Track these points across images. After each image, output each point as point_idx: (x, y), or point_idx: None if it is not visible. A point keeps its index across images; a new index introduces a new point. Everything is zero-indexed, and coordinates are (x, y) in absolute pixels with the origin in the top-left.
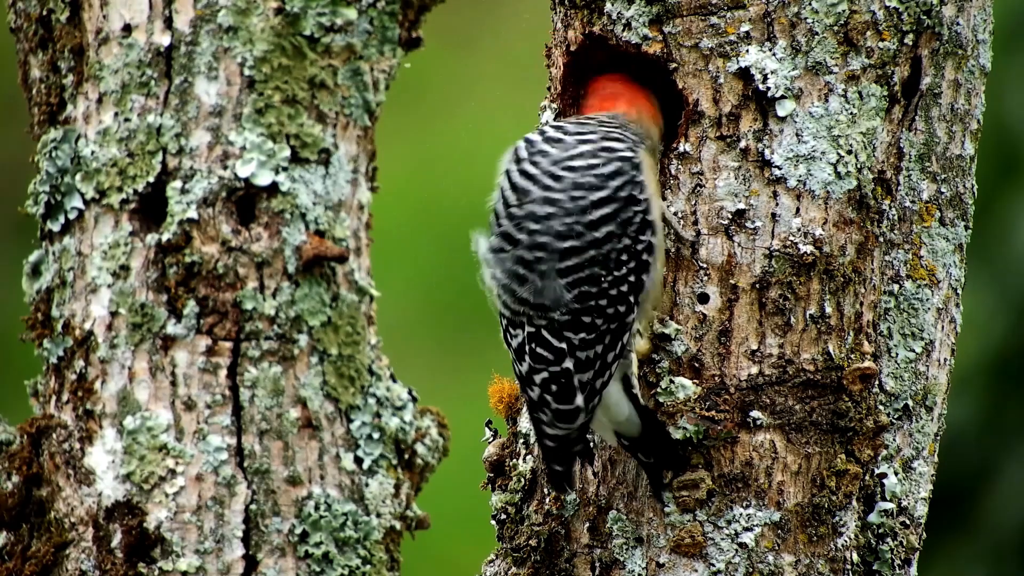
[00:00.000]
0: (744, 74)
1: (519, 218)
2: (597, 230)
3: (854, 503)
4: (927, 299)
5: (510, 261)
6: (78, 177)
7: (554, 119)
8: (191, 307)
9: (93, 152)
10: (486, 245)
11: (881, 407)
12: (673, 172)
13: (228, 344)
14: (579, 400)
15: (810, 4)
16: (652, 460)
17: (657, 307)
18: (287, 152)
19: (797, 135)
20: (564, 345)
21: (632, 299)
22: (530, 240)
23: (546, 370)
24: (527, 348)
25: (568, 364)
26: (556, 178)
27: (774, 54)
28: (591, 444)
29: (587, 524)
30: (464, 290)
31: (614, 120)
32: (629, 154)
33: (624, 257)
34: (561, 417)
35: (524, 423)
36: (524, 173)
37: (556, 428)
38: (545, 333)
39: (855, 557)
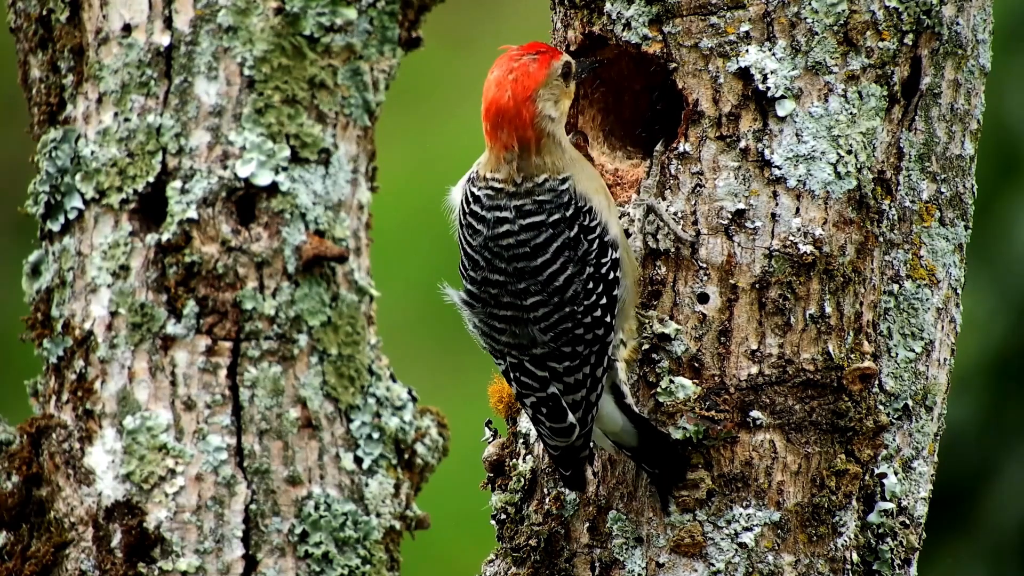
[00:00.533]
0: (744, 74)
1: (479, 282)
2: (555, 281)
3: (854, 503)
4: (927, 299)
5: (482, 315)
6: (78, 177)
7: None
8: (191, 307)
9: (93, 152)
10: (457, 298)
11: (881, 407)
12: (673, 172)
13: (228, 344)
14: (571, 418)
15: (810, 4)
16: (657, 471)
17: (634, 307)
18: (287, 152)
19: (797, 135)
20: (547, 373)
21: (608, 318)
22: (496, 302)
23: (533, 395)
24: (511, 376)
25: (553, 389)
26: (495, 254)
27: (774, 54)
28: (591, 444)
29: (587, 524)
30: None
31: (518, 189)
32: (555, 215)
33: (591, 285)
34: (558, 433)
35: (524, 423)
36: (467, 243)
37: (556, 440)
38: (528, 365)
39: (855, 557)
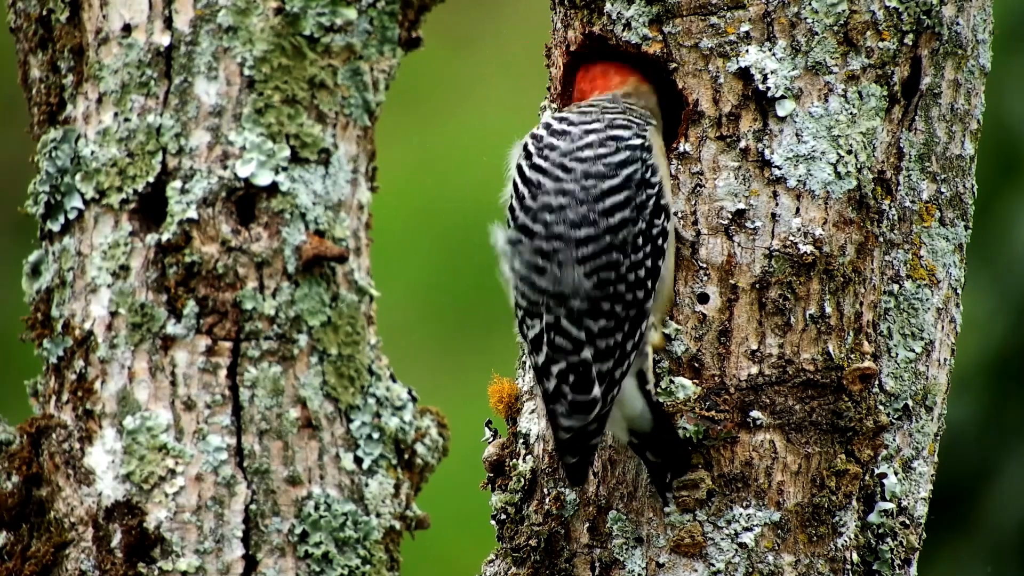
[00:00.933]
0: (744, 74)
1: (534, 210)
2: (612, 217)
3: (854, 503)
4: (927, 299)
5: (528, 252)
6: (78, 177)
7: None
8: (191, 307)
9: (93, 152)
10: (503, 237)
11: (881, 407)
12: (673, 172)
13: (228, 344)
14: (596, 391)
15: (810, 4)
16: (660, 460)
17: (670, 298)
18: (287, 152)
19: (797, 135)
20: (583, 334)
21: (649, 284)
22: (546, 231)
23: (565, 360)
24: (545, 339)
25: (587, 354)
26: (566, 169)
27: (774, 54)
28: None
29: (587, 524)
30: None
31: (615, 105)
32: (637, 140)
33: (640, 241)
34: (578, 408)
35: (524, 423)
36: (535, 167)
37: (572, 419)
38: (564, 322)
39: (855, 557)
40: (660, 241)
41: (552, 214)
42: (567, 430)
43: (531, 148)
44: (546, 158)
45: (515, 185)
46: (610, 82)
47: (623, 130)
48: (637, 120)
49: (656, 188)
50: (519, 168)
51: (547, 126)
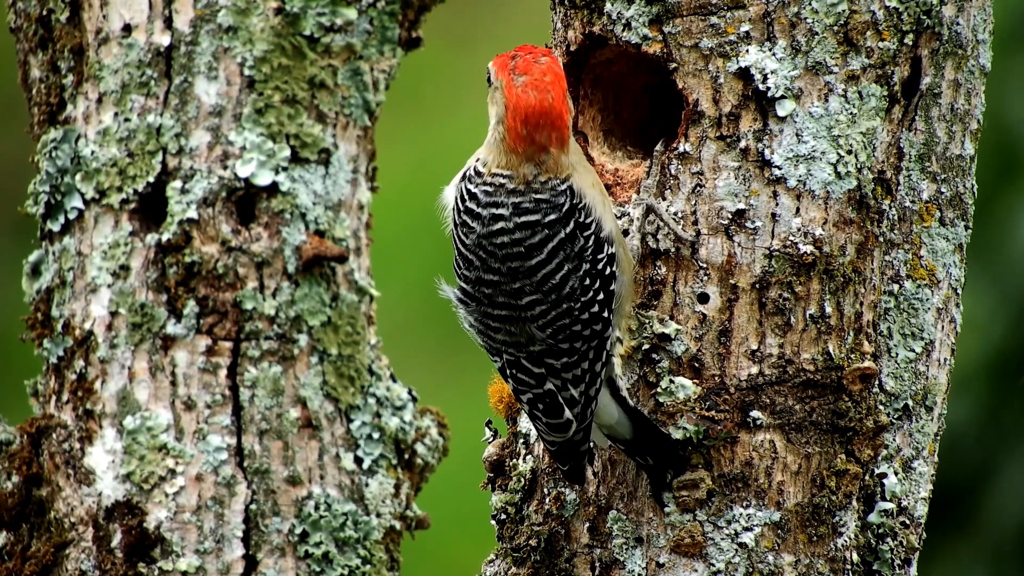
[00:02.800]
0: (744, 74)
1: (473, 281)
2: (552, 279)
3: (854, 503)
4: (927, 299)
5: (477, 314)
6: (78, 177)
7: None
8: (191, 307)
9: (93, 152)
10: (453, 296)
11: (881, 407)
12: (673, 172)
13: (228, 344)
14: (568, 414)
15: (810, 4)
16: (651, 462)
17: (633, 304)
18: (287, 152)
19: (797, 135)
20: (542, 370)
21: (606, 313)
22: (490, 301)
23: (530, 392)
24: (507, 372)
25: (550, 386)
26: (488, 252)
27: (774, 54)
28: (592, 444)
29: (587, 524)
30: None
31: (533, 168)
32: (552, 216)
33: (587, 281)
34: (555, 428)
35: (524, 423)
36: (461, 241)
37: (553, 435)
38: (524, 362)
39: (855, 557)
40: (609, 269)
41: (490, 288)
42: (551, 444)
43: (455, 218)
44: (467, 236)
45: (453, 238)
46: (535, 148)
47: (531, 215)
48: (546, 192)
49: (592, 228)
50: (456, 223)
51: (465, 198)
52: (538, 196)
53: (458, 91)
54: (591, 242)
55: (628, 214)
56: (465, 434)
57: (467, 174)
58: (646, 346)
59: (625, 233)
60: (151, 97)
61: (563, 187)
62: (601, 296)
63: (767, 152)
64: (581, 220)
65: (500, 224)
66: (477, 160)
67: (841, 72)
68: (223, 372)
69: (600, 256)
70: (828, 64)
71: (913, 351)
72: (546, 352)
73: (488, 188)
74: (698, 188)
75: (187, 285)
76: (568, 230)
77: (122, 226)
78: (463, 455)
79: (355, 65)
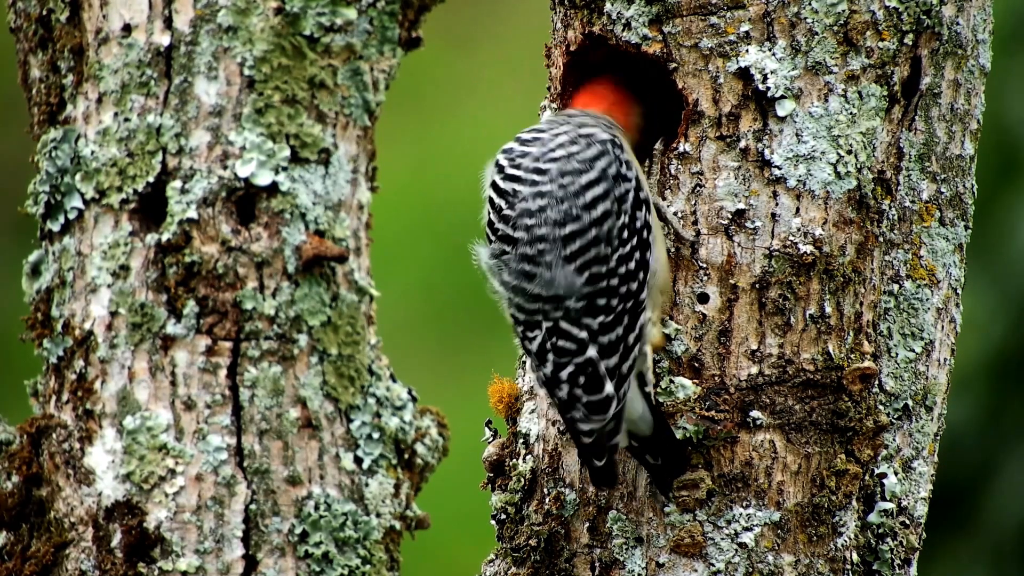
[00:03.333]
0: (744, 74)
1: (513, 218)
2: (594, 210)
3: (854, 503)
4: (927, 299)
5: (515, 261)
6: (78, 177)
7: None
8: (191, 307)
9: (93, 152)
10: (487, 253)
11: (881, 407)
12: (673, 172)
13: (228, 344)
14: (609, 388)
15: (810, 4)
16: (659, 462)
17: (665, 294)
18: (287, 152)
19: (797, 135)
20: (585, 333)
21: (641, 276)
22: (529, 235)
23: (571, 362)
24: (548, 345)
25: (591, 353)
26: (541, 172)
27: (774, 54)
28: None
29: (587, 524)
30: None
31: (583, 113)
32: (606, 136)
33: (625, 234)
34: (594, 409)
35: (524, 423)
36: (509, 177)
37: (590, 422)
38: (564, 324)
39: (855, 557)
40: (645, 234)
41: (533, 218)
42: (588, 434)
43: (503, 161)
44: (519, 166)
45: (491, 201)
46: (590, 98)
47: (591, 128)
48: (605, 123)
49: (633, 182)
50: (493, 184)
51: (517, 139)
52: (597, 119)
53: (458, 91)
54: (630, 195)
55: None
56: (465, 434)
57: (524, 131)
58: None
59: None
60: (151, 97)
61: (608, 132)
62: (637, 256)
63: (767, 152)
64: (623, 171)
65: (562, 138)
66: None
67: (841, 72)
68: (223, 372)
69: (639, 214)
70: (828, 64)
71: (913, 351)
72: (583, 310)
73: (551, 118)
74: (698, 188)
75: (187, 285)
76: (614, 170)
77: (122, 226)
78: (463, 455)
79: (355, 65)
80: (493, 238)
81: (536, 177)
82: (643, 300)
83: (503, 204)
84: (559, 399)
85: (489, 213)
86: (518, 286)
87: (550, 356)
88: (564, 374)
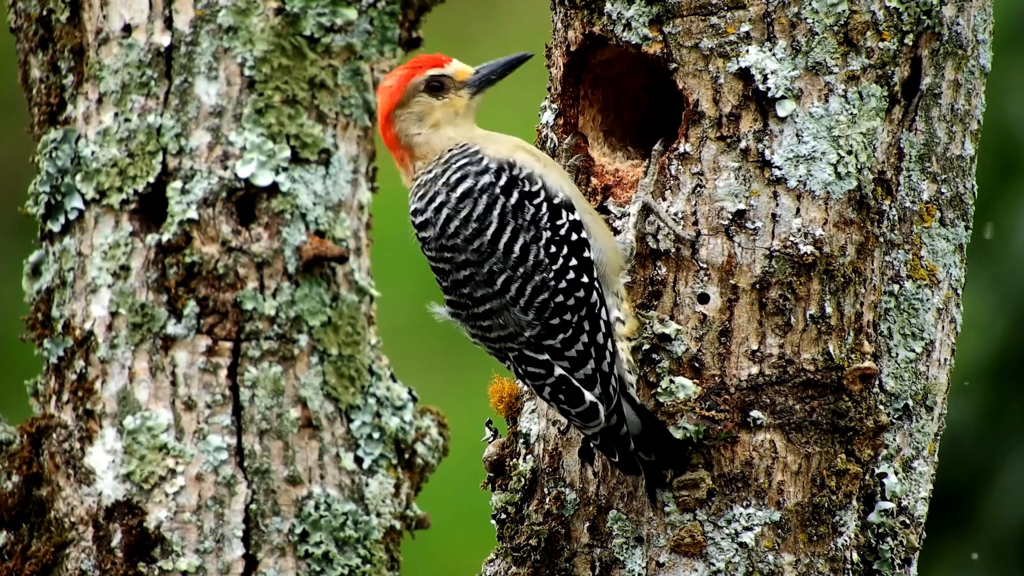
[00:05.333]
0: (744, 74)
1: (450, 289)
2: (513, 250)
3: (854, 503)
4: (927, 299)
5: (469, 319)
6: (78, 177)
7: (553, 119)
8: (191, 307)
9: (93, 152)
10: (444, 312)
11: (881, 407)
12: (673, 172)
13: (228, 344)
14: (589, 396)
15: (810, 4)
16: (653, 458)
17: (621, 273)
18: (287, 152)
19: (797, 135)
20: (546, 356)
21: (585, 278)
22: (471, 300)
23: (545, 384)
24: (521, 372)
25: (559, 371)
26: (449, 249)
27: (774, 54)
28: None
29: (587, 524)
30: None
31: (434, 169)
32: (487, 179)
33: (553, 249)
34: (584, 417)
35: (524, 423)
36: (429, 257)
37: (589, 428)
38: (527, 352)
39: (855, 556)
40: (574, 235)
41: (466, 286)
42: (593, 436)
43: (418, 236)
44: (430, 248)
45: (430, 267)
46: (396, 158)
47: (463, 184)
48: (460, 159)
49: (540, 196)
50: (422, 249)
51: (411, 223)
52: (457, 164)
53: None
54: (544, 209)
55: (628, 214)
56: (465, 434)
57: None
58: (646, 346)
59: (616, 232)
60: (151, 97)
61: (476, 153)
62: (574, 262)
63: (767, 152)
64: (526, 189)
65: (445, 212)
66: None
67: (841, 72)
68: (223, 372)
69: (560, 222)
70: (828, 64)
71: (913, 351)
72: (542, 335)
73: (420, 192)
74: (698, 188)
75: (187, 285)
76: (514, 200)
77: (122, 226)
78: (463, 455)
79: (355, 65)
80: (445, 296)
81: (449, 255)
82: (596, 300)
83: (439, 277)
84: (552, 408)
85: (431, 270)
86: (477, 333)
87: (527, 381)
88: (545, 394)
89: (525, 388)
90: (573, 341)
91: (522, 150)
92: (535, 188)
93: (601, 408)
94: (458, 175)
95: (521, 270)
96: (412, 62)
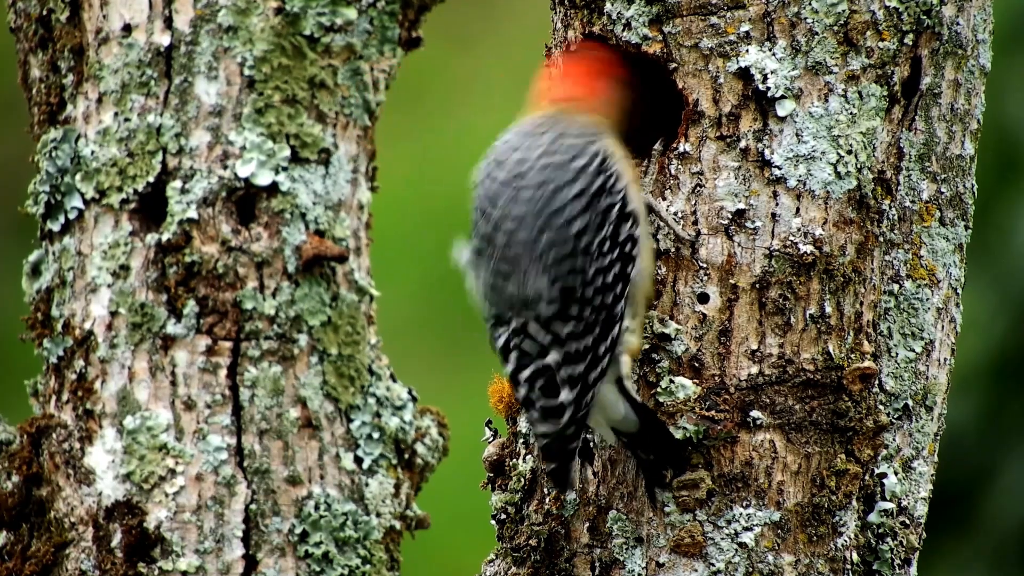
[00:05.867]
0: (744, 74)
1: (495, 220)
2: (571, 225)
3: (854, 503)
4: (927, 299)
5: (493, 260)
6: (78, 177)
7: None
8: (191, 307)
9: (93, 152)
10: (468, 250)
11: (881, 407)
12: (673, 172)
13: (228, 344)
14: (564, 395)
15: (810, 4)
16: (652, 457)
17: (647, 303)
18: (287, 152)
19: (797, 135)
20: (549, 338)
21: (619, 290)
22: (509, 239)
23: (532, 365)
24: (512, 344)
25: (551, 359)
26: (523, 177)
27: (774, 54)
28: (591, 444)
29: (587, 524)
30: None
31: (566, 119)
32: (593, 147)
33: (605, 248)
34: (548, 414)
35: (524, 423)
36: (494, 179)
37: (545, 424)
38: (532, 327)
39: (855, 557)
40: (628, 247)
41: (513, 222)
42: (543, 435)
43: (490, 162)
44: (504, 169)
45: (477, 198)
46: (560, 93)
47: (576, 138)
48: (590, 130)
49: (620, 195)
50: (480, 183)
51: (504, 140)
52: (568, 141)
53: (458, 91)
54: (615, 209)
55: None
56: (465, 434)
57: (509, 131)
58: (646, 346)
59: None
60: (151, 97)
61: (593, 140)
62: (616, 270)
63: (767, 152)
64: (608, 185)
65: (541, 149)
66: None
67: (841, 72)
68: (223, 372)
69: (623, 227)
70: (828, 64)
71: (913, 351)
72: (554, 316)
73: (537, 120)
74: (698, 188)
75: (187, 285)
76: (595, 186)
77: (122, 226)
78: (463, 455)
79: (355, 65)
80: (475, 234)
81: (518, 182)
82: (619, 313)
83: (487, 204)
84: (518, 398)
85: (474, 210)
86: (493, 284)
87: (513, 355)
88: (524, 375)
89: (507, 367)
90: (579, 337)
91: (630, 169)
92: (617, 187)
93: (567, 413)
94: (566, 145)
95: (570, 245)
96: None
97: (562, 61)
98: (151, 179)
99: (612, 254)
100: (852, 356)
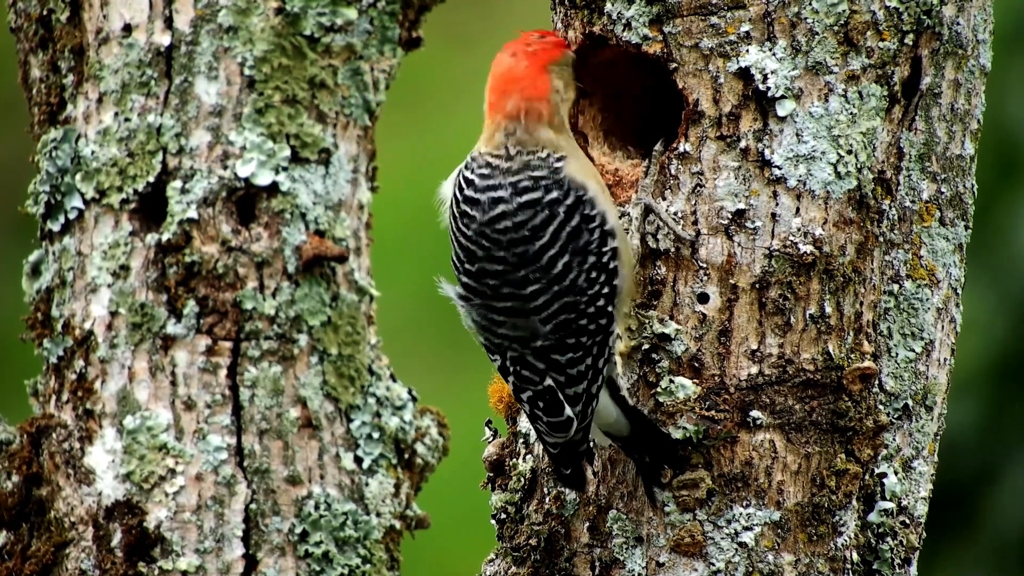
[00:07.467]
0: (744, 74)
1: (474, 274)
2: (555, 267)
3: (854, 503)
4: (927, 299)
5: (481, 309)
6: (78, 177)
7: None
8: (191, 307)
9: (93, 152)
10: (454, 293)
11: (881, 407)
12: (673, 172)
13: (228, 344)
14: (568, 412)
15: (810, 4)
16: (646, 459)
17: (633, 300)
18: (287, 152)
19: (797, 135)
20: (546, 365)
21: (610, 308)
22: (493, 292)
23: (531, 390)
24: (510, 370)
25: (550, 382)
26: (491, 240)
27: (774, 54)
28: (591, 444)
29: (587, 523)
30: None
31: (526, 137)
32: (562, 172)
33: (594, 275)
34: (555, 428)
35: (524, 423)
36: (461, 233)
37: (554, 436)
38: (529, 358)
39: (855, 556)
40: (613, 263)
41: (494, 278)
42: (553, 446)
43: (455, 209)
44: (468, 227)
45: (457, 233)
46: (504, 115)
47: (531, 193)
48: (542, 170)
49: (596, 220)
50: (458, 216)
51: (463, 186)
52: (535, 173)
53: (458, 91)
54: (596, 235)
55: (628, 214)
56: (465, 434)
57: (464, 164)
58: (646, 346)
59: (625, 231)
60: (151, 97)
61: (559, 166)
62: (606, 290)
63: (767, 152)
64: (586, 212)
65: (501, 207)
66: (472, 151)
67: (841, 72)
68: (223, 372)
69: (605, 249)
70: (828, 64)
71: (913, 351)
72: (552, 348)
73: (484, 171)
74: (698, 188)
75: (187, 285)
76: (573, 223)
77: (122, 226)
78: (463, 455)
79: (355, 65)
80: (458, 278)
81: (487, 244)
82: (612, 330)
83: (462, 255)
84: (523, 409)
85: (452, 249)
86: (486, 327)
87: (510, 379)
88: (524, 396)
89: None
90: (578, 361)
91: (595, 179)
92: (594, 213)
93: (574, 424)
94: (532, 182)
95: (556, 288)
96: (542, 32)
97: (502, 62)
98: (151, 179)
99: (600, 277)
100: (852, 356)
